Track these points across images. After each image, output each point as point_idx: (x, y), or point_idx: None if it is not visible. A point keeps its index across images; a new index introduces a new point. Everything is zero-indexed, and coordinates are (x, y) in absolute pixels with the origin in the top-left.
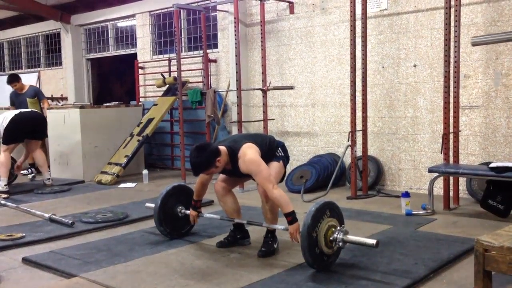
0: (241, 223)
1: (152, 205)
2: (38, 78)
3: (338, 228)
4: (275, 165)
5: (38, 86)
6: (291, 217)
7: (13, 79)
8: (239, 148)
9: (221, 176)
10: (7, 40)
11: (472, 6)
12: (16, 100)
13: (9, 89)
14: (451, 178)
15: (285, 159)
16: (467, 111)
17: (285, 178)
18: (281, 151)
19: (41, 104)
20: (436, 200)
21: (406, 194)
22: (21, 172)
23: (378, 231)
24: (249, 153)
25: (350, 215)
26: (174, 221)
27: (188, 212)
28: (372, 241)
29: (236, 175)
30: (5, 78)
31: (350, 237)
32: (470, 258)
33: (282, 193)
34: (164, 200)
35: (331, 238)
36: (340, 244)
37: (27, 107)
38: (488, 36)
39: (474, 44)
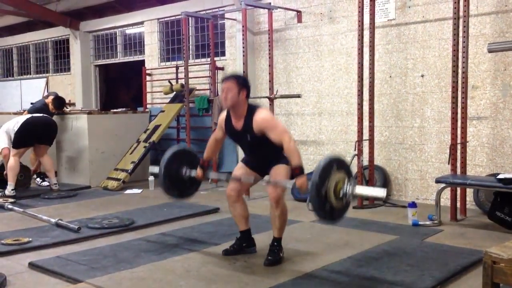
0: (247, 232)
1: (156, 170)
2: (46, 83)
3: (347, 181)
4: (283, 168)
5: (46, 91)
6: (299, 170)
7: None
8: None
9: (232, 183)
10: (16, 45)
11: (481, 17)
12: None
13: (17, 94)
14: (458, 189)
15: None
16: (475, 122)
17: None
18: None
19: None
20: (443, 211)
21: (413, 205)
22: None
23: (384, 241)
24: (267, 112)
25: (356, 224)
26: (180, 184)
27: (193, 173)
28: (381, 193)
29: (242, 139)
30: (14, 83)
31: (359, 190)
32: (478, 270)
33: (297, 147)
34: (167, 167)
35: (340, 193)
36: (350, 197)
37: None
38: (505, 43)
39: (490, 51)
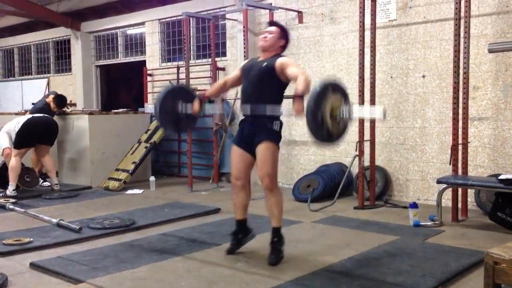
0: (242, 222)
1: (152, 108)
2: (48, 84)
3: (343, 104)
4: (270, 148)
5: (47, 92)
6: (299, 96)
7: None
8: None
9: (235, 170)
10: (17, 46)
11: (482, 18)
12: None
13: (18, 94)
14: (460, 190)
15: (279, 138)
16: (476, 122)
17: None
18: (279, 125)
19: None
20: (444, 212)
21: (414, 205)
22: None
23: (386, 242)
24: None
25: (357, 225)
26: (177, 119)
27: (189, 108)
28: (379, 114)
29: (256, 69)
30: (15, 83)
31: (356, 112)
32: (479, 270)
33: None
34: (162, 105)
35: (336, 117)
36: (347, 121)
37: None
38: (506, 44)
39: (491, 51)
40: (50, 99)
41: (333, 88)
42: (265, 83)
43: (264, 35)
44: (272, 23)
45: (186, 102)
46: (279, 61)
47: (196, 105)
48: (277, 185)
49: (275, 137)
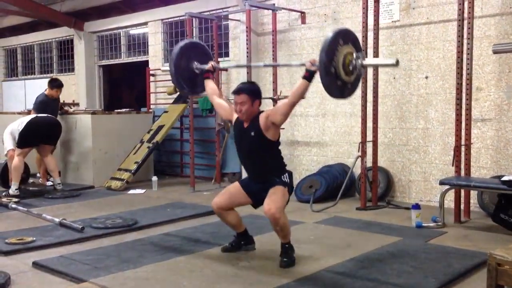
0: (243, 233)
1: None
2: None
3: (355, 54)
4: (280, 189)
5: None
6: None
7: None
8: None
9: (218, 198)
10: (20, 45)
11: (485, 19)
12: (49, 106)
13: (22, 94)
14: (462, 191)
15: (290, 187)
16: (479, 123)
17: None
18: (287, 177)
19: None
20: (446, 213)
21: (417, 206)
22: (46, 183)
23: (388, 243)
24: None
25: (360, 226)
26: (193, 78)
27: (204, 66)
28: (392, 60)
29: (245, 136)
30: (18, 83)
31: (369, 61)
32: (482, 272)
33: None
34: (176, 63)
35: (350, 67)
36: (361, 70)
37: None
38: (510, 45)
39: (495, 52)
40: (47, 91)
41: (343, 38)
42: (260, 152)
43: (237, 107)
44: (239, 90)
45: (197, 59)
46: (262, 120)
47: (212, 62)
48: (282, 214)
49: (287, 185)
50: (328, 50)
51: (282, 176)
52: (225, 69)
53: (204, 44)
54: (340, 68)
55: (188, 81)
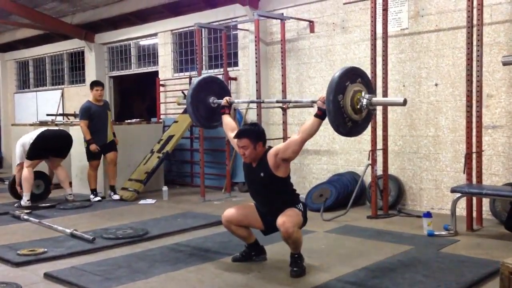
0: (254, 243)
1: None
2: (62, 95)
3: (363, 92)
4: (296, 210)
5: (61, 102)
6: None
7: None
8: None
9: (236, 217)
10: (32, 58)
11: (495, 26)
12: (95, 113)
13: (33, 105)
14: (474, 199)
15: (305, 218)
16: (490, 130)
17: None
18: (301, 206)
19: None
20: (458, 221)
21: (428, 214)
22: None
23: (400, 252)
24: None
25: (371, 234)
26: (208, 112)
27: (220, 101)
28: (400, 99)
29: (255, 176)
30: (30, 95)
31: (377, 100)
32: (495, 281)
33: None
34: (193, 96)
35: (358, 106)
36: (370, 108)
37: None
38: None
39: (505, 64)
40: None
41: (351, 78)
42: (271, 191)
43: (240, 151)
44: (239, 134)
45: (215, 94)
46: (270, 159)
47: (227, 98)
48: (297, 231)
49: (302, 210)
50: (337, 88)
51: (296, 206)
52: (237, 107)
53: (222, 80)
54: (348, 106)
55: (205, 116)
